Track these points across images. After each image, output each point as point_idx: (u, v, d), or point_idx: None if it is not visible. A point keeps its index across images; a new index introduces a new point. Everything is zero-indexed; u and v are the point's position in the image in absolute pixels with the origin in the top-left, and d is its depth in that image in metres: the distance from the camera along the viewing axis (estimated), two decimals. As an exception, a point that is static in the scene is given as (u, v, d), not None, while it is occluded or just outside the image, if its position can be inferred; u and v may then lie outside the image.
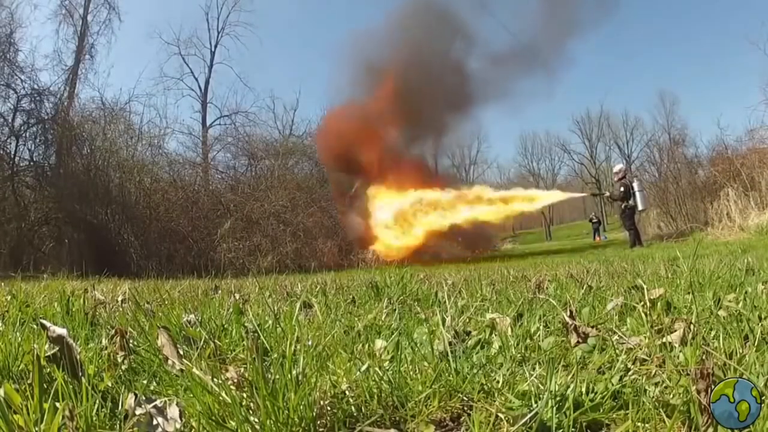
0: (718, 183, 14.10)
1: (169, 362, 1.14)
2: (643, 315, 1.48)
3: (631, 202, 11.62)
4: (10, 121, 12.96)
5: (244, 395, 0.90)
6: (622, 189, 11.80)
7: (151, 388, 1.07)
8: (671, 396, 0.90)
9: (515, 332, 1.40)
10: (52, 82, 15.48)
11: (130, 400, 0.87)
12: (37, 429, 0.81)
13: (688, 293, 1.78)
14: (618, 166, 13.44)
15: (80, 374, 0.98)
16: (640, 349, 1.16)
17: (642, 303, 1.55)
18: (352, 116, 14.24)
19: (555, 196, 13.89)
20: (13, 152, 12.98)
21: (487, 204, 13.18)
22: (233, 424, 0.83)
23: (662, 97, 38.32)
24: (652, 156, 19.85)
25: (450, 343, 1.16)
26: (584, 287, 2.21)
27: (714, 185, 14.31)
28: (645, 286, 1.69)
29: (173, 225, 13.11)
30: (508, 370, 1.06)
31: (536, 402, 0.88)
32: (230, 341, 1.44)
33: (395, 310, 1.83)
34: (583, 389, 0.93)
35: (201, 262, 11.01)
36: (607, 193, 13.88)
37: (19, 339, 1.37)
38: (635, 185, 11.81)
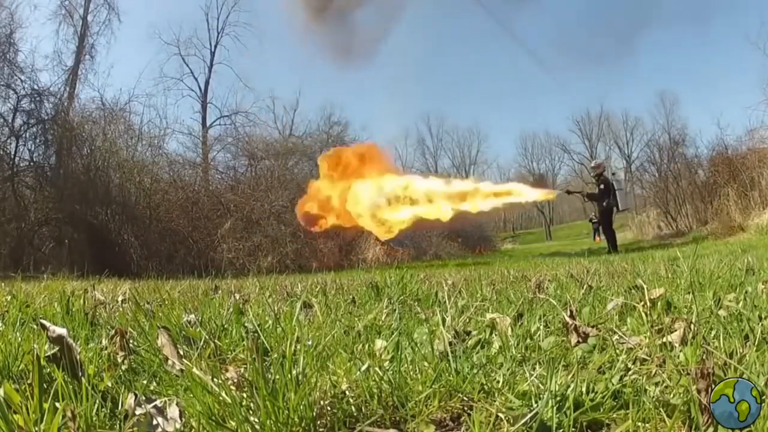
0: (718, 183, 14.10)
1: (169, 362, 1.14)
2: (643, 315, 1.48)
3: (611, 201, 10.48)
4: (10, 121, 12.94)
5: (244, 395, 0.89)
6: (601, 186, 10.64)
7: (151, 388, 1.07)
8: (671, 396, 0.90)
9: (515, 332, 1.39)
10: (52, 82, 15.49)
11: (130, 400, 0.87)
12: (37, 429, 0.81)
13: (689, 293, 1.78)
14: (596, 161, 12.29)
15: (80, 374, 0.98)
16: (641, 349, 1.16)
17: (642, 303, 1.55)
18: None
19: (525, 192, 11.95)
20: (13, 152, 12.96)
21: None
22: (233, 424, 0.83)
23: (662, 97, 38.31)
24: (652, 156, 19.86)
25: (450, 343, 1.16)
26: (584, 287, 2.21)
27: (714, 185, 14.30)
28: (645, 286, 1.69)
29: (173, 225, 13.10)
30: (508, 370, 1.06)
31: (536, 402, 0.88)
32: (230, 341, 1.44)
33: (395, 310, 1.83)
34: (584, 389, 0.93)
35: (201, 262, 11.01)
36: (586, 191, 12.71)
37: (19, 339, 1.37)
38: (614, 183, 10.69)
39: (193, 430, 0.84)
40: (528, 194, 11.42)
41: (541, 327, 1.43)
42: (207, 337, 1.32)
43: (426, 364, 1.09)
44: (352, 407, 0.92)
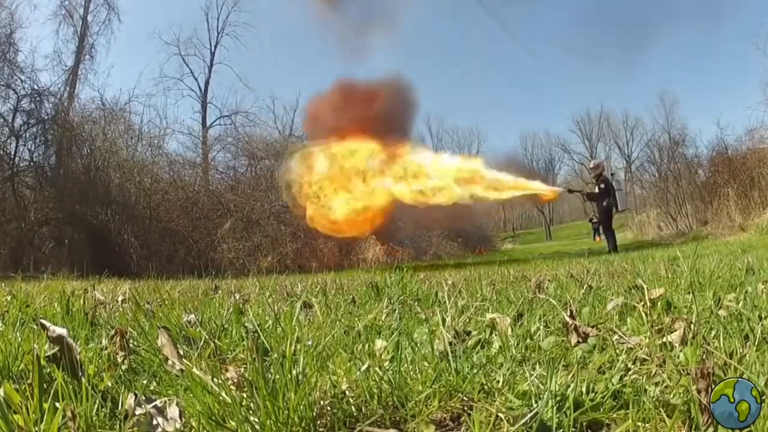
0: (718, 183, 14.10)
1: (169, 362, 1.14)
2: (643, 315, 1.48)
3: (610, 201, 10.43)
4: (10, 121, 12.95)
5: (244, 395, 0.89)
6: (602, 185, 10.58)
7: (151, 388, 1.07)
8: (671, 396, 0.90)
9: (515, 332, 1.39)
10: (52, 82, 15.46)
11: (130, 400, 0.87)
12: (37, 429, 0.81)
13: (689, 293, 1.78)
14: (595, 161, 12.41)
15: (80, 374, 0.98)
16: (641, 349, 1.16)
17: (642, 303, 1.55)
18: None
19: (532, 186, 11.79)
20: (13, 152, 12.97)
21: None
22: (233, 424, 0.83)
23: (662, 97, 38.24)
24: (652, 156, 19.90)
25: (450, 343, 1.16)
26: (584, 287, 2.21)
27: (714, 185, 14.30)
28: (645, 286, 1.69)
29: (173, 225, 13.11)
30: (508, 369, 1.06)
31: (536, 402, 0.88)
32: (230, 341, 1.44)
33: (395, 310, 1.83)
34: (584, 389, 0.93)
35: (201, 262, 11.02)
36: (586, 191, 12.77)
37: (19, 339, 1.37)
38: (614, 183, 10.70)
39: (193, 430, 0.84)
40: (537, 187, 11.38)
41: (541, 327, 1.43)
42: (207, 337, 1.32)
43: (426, 364, 1.09)
44: (352, 407, 0.92)
